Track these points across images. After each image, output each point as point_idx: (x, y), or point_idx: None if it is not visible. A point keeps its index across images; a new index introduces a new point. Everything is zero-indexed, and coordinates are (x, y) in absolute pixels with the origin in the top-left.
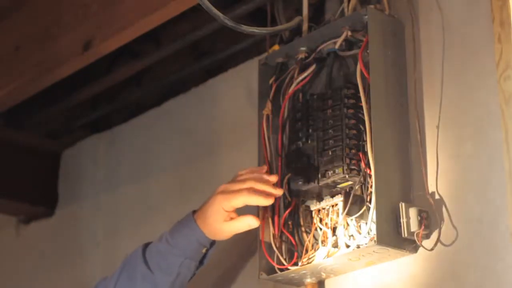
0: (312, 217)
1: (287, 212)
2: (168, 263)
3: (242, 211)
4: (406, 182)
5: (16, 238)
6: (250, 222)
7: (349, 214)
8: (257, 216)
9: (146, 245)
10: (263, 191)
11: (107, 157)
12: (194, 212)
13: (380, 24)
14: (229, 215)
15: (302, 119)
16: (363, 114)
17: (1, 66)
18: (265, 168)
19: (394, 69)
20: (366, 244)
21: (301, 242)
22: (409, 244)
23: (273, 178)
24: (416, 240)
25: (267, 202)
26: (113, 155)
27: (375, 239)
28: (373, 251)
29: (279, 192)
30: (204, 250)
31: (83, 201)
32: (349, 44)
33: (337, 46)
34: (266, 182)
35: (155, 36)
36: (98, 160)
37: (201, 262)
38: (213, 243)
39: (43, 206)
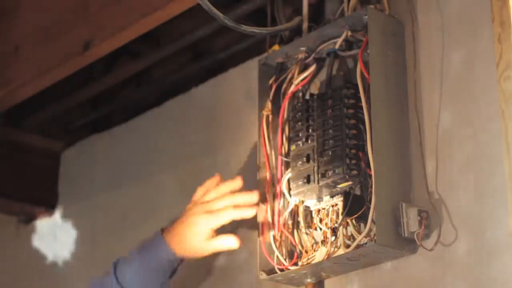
0: (312, 217)
1: (287, 212)
2: (140, 281)
3: None
4: (406, 182)
5: (16, 238)
6: (231, 243)
7: (349, 214)
8: (257, 215)
9: (115, 266)
10: (244, 203)
11: (107, 157)
12: (162, 230)
13: (380, 24)
14: (211, 234)
15: (302, 119)
16: (363, 114)
17: (1, 66)
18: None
19: (394, 69)
20: (366, 244)
21: (301, 242)
22: (409, 244)
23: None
24: (416, 240)
25: (252, 212)
26: (113, 155)
27: (375, 239)
28: (373, 251)
29: (255, 197)
30: (175, 265)
31: (83, 201)
32: (349, 44)
33: (337, 46)
34: (242, 194)
35: (155, 36)
36: (98, 160)
37: (170, 276)
38: (182, 259)
39: (43, 206)
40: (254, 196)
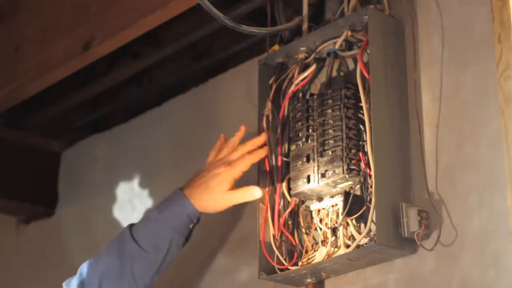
0: (312, 217)
1: (287, 212)
2: (160, 239)
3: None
4: (406, 182)
5: (16, 238)
6: (254, 193)
7: (349, 214)
8: (257, 215)
9: (131, 226)
10: (256, 146)
11: (107, 157)
12: (181, 188)
13: (380, 24)
14: (233, 185)
15: (302, 119)
16: (363, 114)
17: (1, 66)
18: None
19: (394, 69)
20: (366, 244)
21: (301, 242)
22: (409, 244)
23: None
24: (416, 240)
25: (264, 152)
26: (113, 155)
27: (375, 239)
28: (373, 251)
29: (263, 138)
30: (191, 226)
31: (83, 201)
32: (349, 44)
33: (337, 46)
34: (250, 141)
35: (155, 36)
36: (98, 160)
37: (187, 238)
38: (199, 218)
39: (43, 206)
40: (261, 137)
